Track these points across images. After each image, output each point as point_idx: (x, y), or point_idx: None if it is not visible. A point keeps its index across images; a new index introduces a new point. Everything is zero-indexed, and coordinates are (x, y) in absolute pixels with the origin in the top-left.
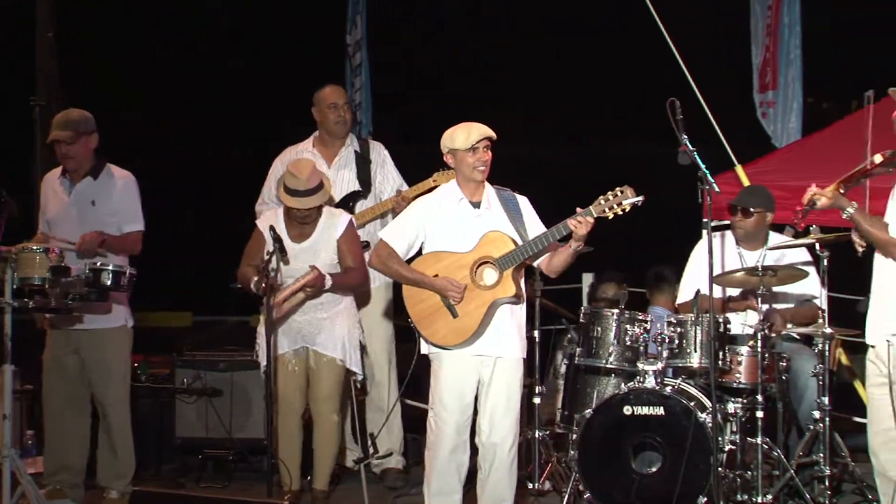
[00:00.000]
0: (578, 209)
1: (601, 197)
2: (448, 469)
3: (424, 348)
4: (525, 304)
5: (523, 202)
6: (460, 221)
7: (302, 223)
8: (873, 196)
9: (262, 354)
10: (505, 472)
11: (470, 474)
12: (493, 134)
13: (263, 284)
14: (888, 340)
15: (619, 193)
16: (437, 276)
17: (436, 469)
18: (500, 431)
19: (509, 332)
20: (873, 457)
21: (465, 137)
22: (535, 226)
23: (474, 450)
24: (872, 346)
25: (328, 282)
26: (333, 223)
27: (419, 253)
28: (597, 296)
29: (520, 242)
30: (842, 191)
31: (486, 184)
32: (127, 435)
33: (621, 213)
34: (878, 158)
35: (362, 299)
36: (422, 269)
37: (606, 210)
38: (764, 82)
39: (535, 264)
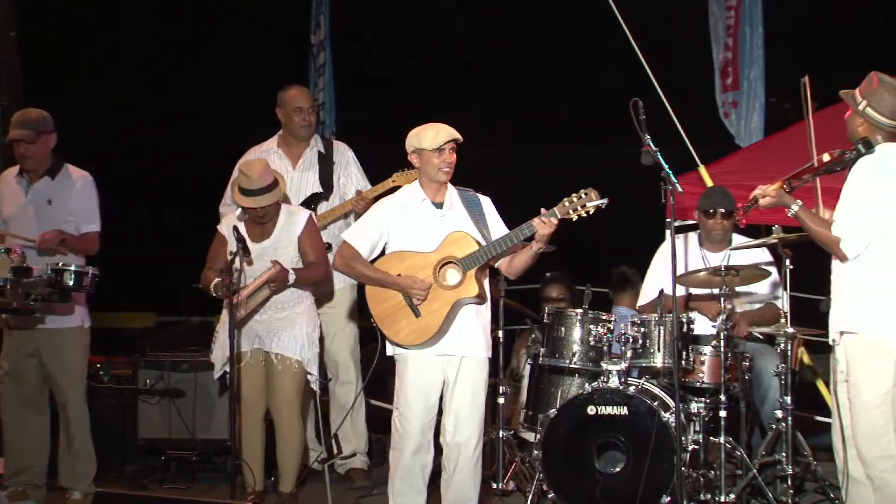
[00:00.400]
0: (543, 210)
1: (565, 199)
2: (413, 469)
3: (390, 350)
4: (490, 304)
5: (486, 203)
6: (423, 222)
7: (260, 222)
8: (825, 195)
9: (217, 354)
10: (469, 473)
11: (434, 474)
12: (459, 137)
13: (224, 286)
14: (833, 339)
15: (583, 195)
16: (399, 275)
17: (400, 469)
18: (465, 431)
19: (474, 331)
20: (837, 455)
21: (432, 138)
22: (497, 226)
23: (438, 450)
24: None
25: (291, 276)
26: (293, 220)
27: (383, 253)
28: (542, 295)
29: (483, 243)
30: (786, 188)
31: (449, 185)
32: (87, 435)
33: (585, 215)
34: (825, 157)
35: (326, 300)
36: (385, 268)
37: (570, 212)
38: (726, 83)
39: (495, 265)
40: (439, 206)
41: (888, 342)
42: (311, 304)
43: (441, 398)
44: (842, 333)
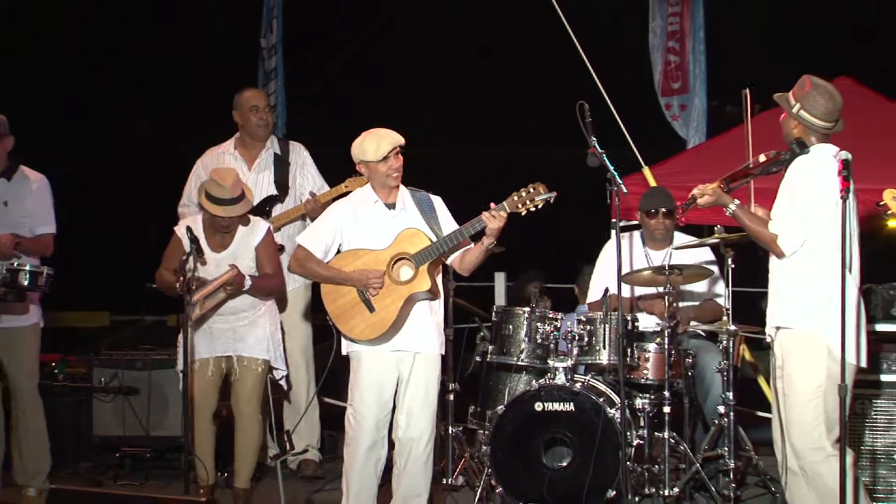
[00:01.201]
0: (492, 205)
1: (514, 193)
2: (367, 465)
3: (345, 348)
4: (443, 301)
5: (437, 202)
6: (376, 222)
7: (223, 231)
8: (760, 196)
9: (180, 362)
10: (421, 467)
11: (385, 468)
12: (402, 140)
13: (180, 285)
14: (769, 335)
15: (531, 190)
16: (352, 271)
17: (355, 465)
18: (418, 427)
19: (428, 328)
20: (777, 449)
21: (374, 149)
22: (449, 225)
23: (390, 444)
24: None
25: (247, 282)
26: (252, 231)
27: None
28: (523, 295)
29: (435, 239)
30: (724, 188)
31: (401, 185)
32: (43, 431)
33: (534, 209)
34: (761, 158)
35: (280, 301)
36: (340, 266)
37: (519, 206)
38: (673, 86)
39: (448, 262)
40: (392, 206)
41: (820, 337)
42: (271, 304)
43: (395, 394)
44: (777, 329)
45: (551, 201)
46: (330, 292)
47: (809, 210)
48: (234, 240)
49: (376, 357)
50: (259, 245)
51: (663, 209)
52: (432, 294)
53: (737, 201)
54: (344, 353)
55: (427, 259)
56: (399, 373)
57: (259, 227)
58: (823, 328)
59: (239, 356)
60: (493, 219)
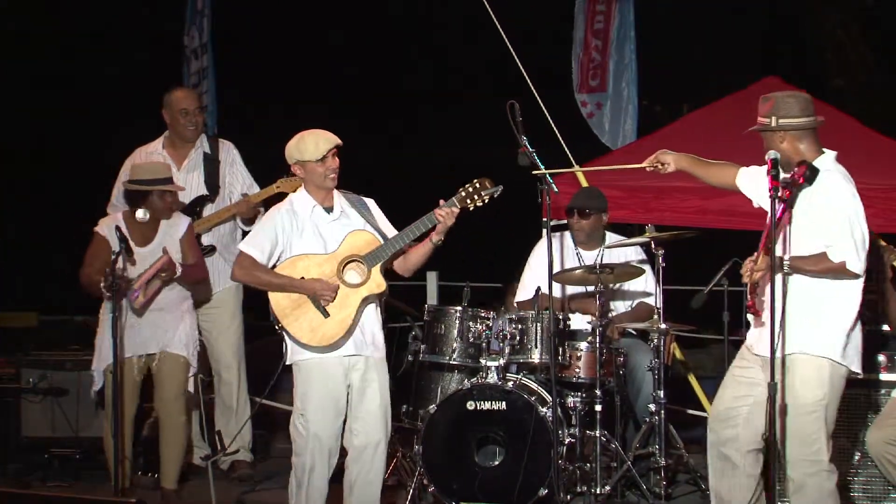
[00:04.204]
0: (441, 201)
1: (461, 188)
2: (322, 473)
3: (290, 358)
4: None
5: (371, 204)
6: (317, 227)
7: (161, 217)
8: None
9: (100, 356)
10: (377, 474)
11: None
12: (340, 142)
13: (109, 284)
14: (763, 356)
15: (477, 185)
16: (303, 278)
17: (313, 476)
18: (376, 434)
19: (376, 331)
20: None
21: (313, 148)
22: (387, 226)
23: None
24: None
25: (178, 268)
26: (175, 223)
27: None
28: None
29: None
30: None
31: (334, 189)
32: None
33: (481, 203)
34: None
35: (208, 301)
36: (288, 272)
37: (468, 201)
38: (591, 84)
39: (393, 265)
40: (329, 210)
41: (840, 365)
42: (190, 304)
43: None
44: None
45: (497, 195)
46: (280, 299)
47: (858, 224)
48: (157, 234)
49: (327, 367)
50: (183, 238)
51: (584, 209)
52: (384, 296)
53: (786, 260)
54: (288, 363)
55: (379, 260)
56: (350, 380)
57: (181, 219)
58: (849, 359)
59: (164, 352)
60: (447, 214)
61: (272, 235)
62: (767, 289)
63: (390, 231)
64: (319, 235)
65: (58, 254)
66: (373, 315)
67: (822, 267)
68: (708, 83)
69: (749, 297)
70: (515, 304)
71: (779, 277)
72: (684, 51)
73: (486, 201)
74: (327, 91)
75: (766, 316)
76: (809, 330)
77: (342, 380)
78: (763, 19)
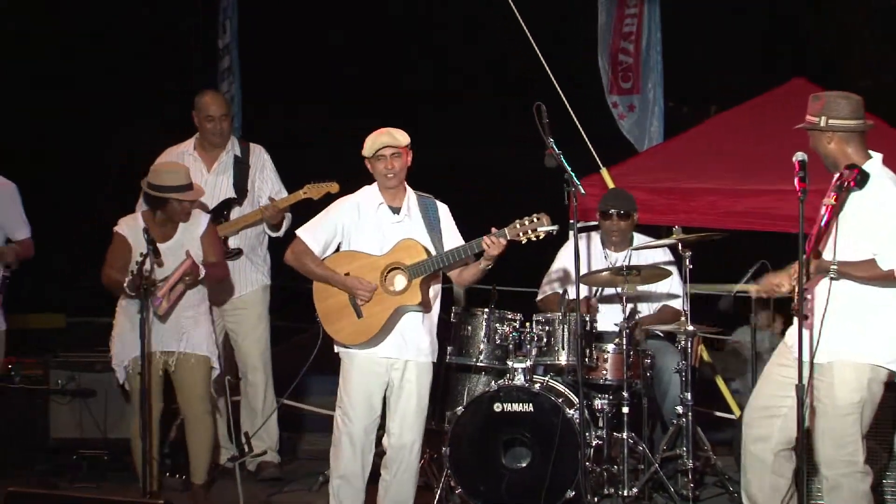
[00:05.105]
0: (493, 229)
1: (517, 220)
2: (354, 469)
3: (336, 346)
4: (436, 310)
5: (443, 211)
6: (378, 226)
7: (179, 220)
8: None
9: (118, 356)
10: (411, 475)
11: (372, 474)
12: (395, 141)
13: (137, 286)
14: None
15: (535, 220)
16: (347, 274)
17: (341, 468)
18: (410, 435)
19: (419, 336)
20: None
21: (370, 145)
22: (451, 236)
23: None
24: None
25: (202, 270)
26: (196, 221)
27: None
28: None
29: (433, 253)
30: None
31: (409, 189)
32: None
33: (534, 239)
34: (823, 210)
35: (239, 302)
36: (335, 266)
37: (521, 234)
38: (623, 86)
39: (447, 274)
40: (396, 210)
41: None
42: (208, 304)
43: (385, 400)
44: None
45: (553, 234)
46: (321, 292)
47: None
48: (177, 230)
49: (367, 361)
50: (203, 235)
51: (621, 211)
52: (423, 307)
53: (834, 266)
54: (336, 351)
55: (421, 273)
56: (390, 378)
57: (202, 217)
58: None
59: (185, 352)
60: (492, 245)
61: (331, 229)
62: (814, 290)
63: (451, 241)
64: (378, 235)
65: (57, 254)
66: (416, 321)
67: (871, 274)
68: (731, 84)
69: (794, 300)
70: (537, 303)
71: (825, 281)
72: (709, 51)
73: (541, 238)
74: (327, 91)
75: (815, 319)
76: (855, 337)
77: (378, 378)
78: (763, 19)
